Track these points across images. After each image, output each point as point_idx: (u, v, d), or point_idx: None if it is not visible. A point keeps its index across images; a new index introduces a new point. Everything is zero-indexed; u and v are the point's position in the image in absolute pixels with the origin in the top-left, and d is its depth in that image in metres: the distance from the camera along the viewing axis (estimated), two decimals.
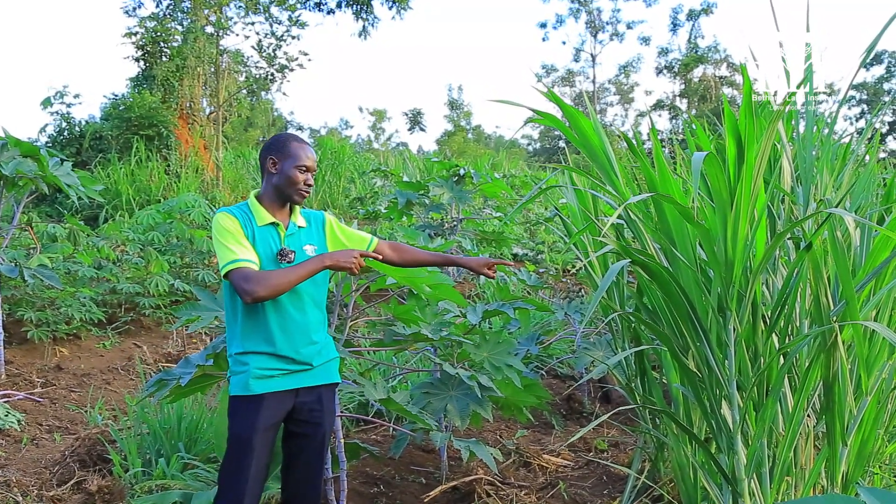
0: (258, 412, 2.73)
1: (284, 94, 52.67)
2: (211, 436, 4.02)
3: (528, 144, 54.37)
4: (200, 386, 3.64)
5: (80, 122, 15.08)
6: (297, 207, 2.99)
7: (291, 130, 49.84)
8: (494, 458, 3.87)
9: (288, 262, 2.83)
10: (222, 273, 2.69)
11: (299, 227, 2.96)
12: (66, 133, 14.82)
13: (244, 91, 19.33)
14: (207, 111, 17.55)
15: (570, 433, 4.98)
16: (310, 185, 2.95)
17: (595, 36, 47.08)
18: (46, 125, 15.00)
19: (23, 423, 5.07)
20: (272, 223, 2.87)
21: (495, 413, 4.40)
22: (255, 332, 2.77)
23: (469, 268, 3.26)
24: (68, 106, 14.96)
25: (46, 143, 14.53)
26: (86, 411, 5.39)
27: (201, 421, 4.20)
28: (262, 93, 22.89)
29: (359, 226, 3.95)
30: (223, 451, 3.24)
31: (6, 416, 5.01)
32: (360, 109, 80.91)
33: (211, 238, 2.78)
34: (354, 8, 17.52)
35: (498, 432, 5.07)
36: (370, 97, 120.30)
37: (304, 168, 2.91)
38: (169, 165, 14.81)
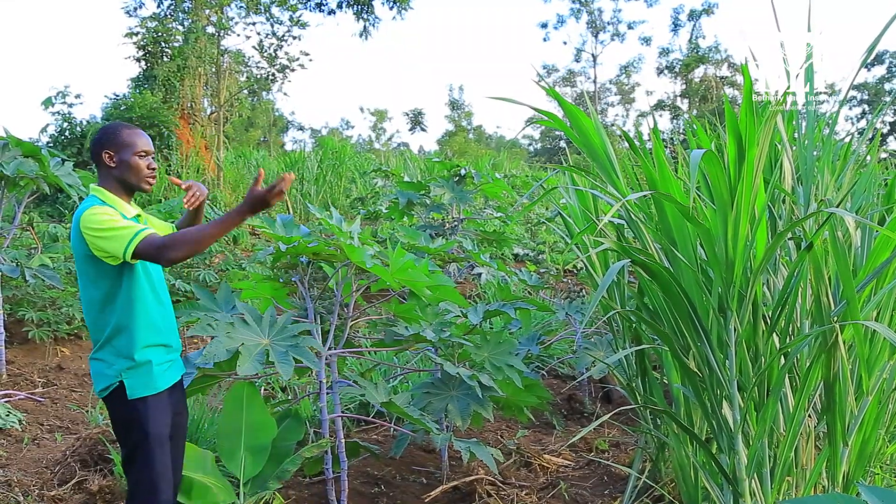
0: (168, 407, 2.78)
1: (285, 94, 52.73)
2: (212, 435, 4.02)
3: (529, 144, 54.37)
4: (201, 387, 3.67)
5: (81, 122, 15.06)
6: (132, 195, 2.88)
7: (292, 130, 49.78)
8: (495, 458, 3.88)
9: None
10: (129, 252, 2.58)
11: (138, 214, 2.90)
12: (67, 133, 14.80)
13: (245, 91, 19.35)
14: (208, 111, 17.56)
15: (571, 433, 4.98)
16: (153, 169, 2.86)
17: (596, 36, 47.06)
18: (47, 125, 14.96)
19: (24, 422, 5.07)
20: (136, 215, 2.83)
21: (496, 413, 4.41)
22: (144, 322, 2.74)
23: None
24: (69, 106, 14.95)
25: (48, 143, 14.53)
26: (87, 411, 5.39)
27: (202, 421, 4.21)
28: (263, 93, 22.93)
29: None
30: (226, 451, 3.25)
31: (7, 415, 5.02)
32: (361, 109, 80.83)
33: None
34: (355, 8, 17.52)
35: (499, 432, 5.08)
36: (371, 97, 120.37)
37: (144, 153, 2.83)
38: (170, 165, 14.82)
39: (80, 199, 6.49)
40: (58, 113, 14.70)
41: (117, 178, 2.81)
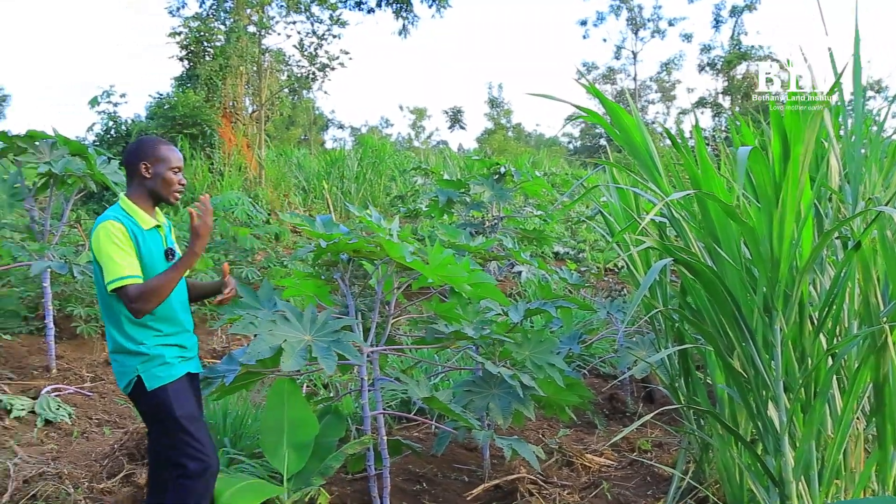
0: (190, 390, 3.08)
1: (325, 92, 53.02)
2: (256, 431, 4.07)
3: (569, 142, 54.05)
4: (244, 384, 3.72)
5: (126, 121, 15.32)
6: (159, 205, 3.13)
7: (332, 129, 50.07)
8: (537, 456, 3.88)
9: (173, 259, 3.05)
10: (109, 287, 2.83)
11: (165, 225, 3.15)
12: (112, 132, 15.07)
13: (286, 90, 19.52)
14: (250, 110, 17.75)
15: (613, 433, 4.95)
16: (182, 185, 3.09)
17: (636, 33, 46.58)
18: (94, 124, 15.22)
19: (73, 416, 5.18)
20: (155, 226, 3.04)
21: (537, 412, 4.40)
22: (151, 325, 2.99)
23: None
24: (115, 105, 15.21)
25: (94, 141, 14.81)
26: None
27: (246, 417, 4.27)
28: (304, 91, 23.06)
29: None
30: (269, 447, 3.30)
31: (57, 409, 5.16)
32: (401, 108, 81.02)
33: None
34: (395, 7, 17.58)
35: (540, 431, 5.08)
36: (410, 95, 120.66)
37: (177, 169, 3.07)
38: (212, 164, 15.00)
39: None
40: (103, 112, 14.97)
41: (149, 189, 3.03)
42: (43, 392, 5.36)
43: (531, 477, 4.09)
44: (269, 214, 11.34)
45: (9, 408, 5.11)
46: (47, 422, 5.04)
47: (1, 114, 49.02)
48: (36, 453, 4.47)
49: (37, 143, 6.05)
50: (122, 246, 2.87)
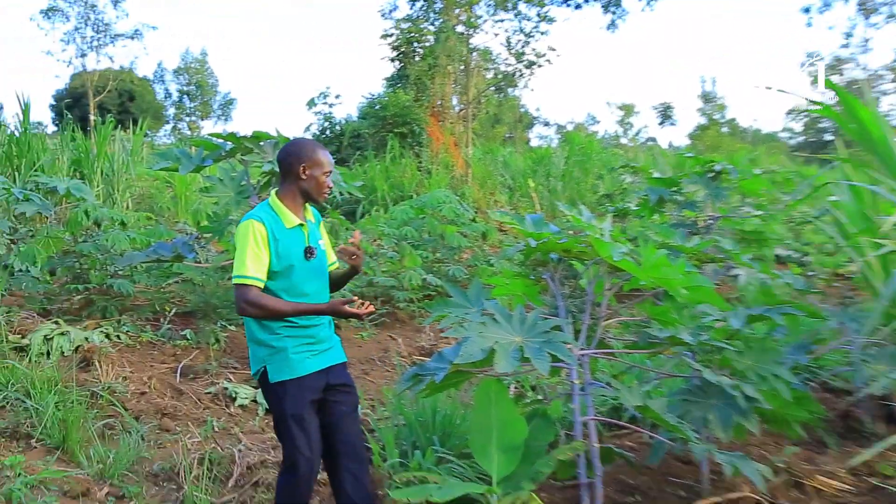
0: (308, 391, 3.29)
1: (531, 89, 53.23)
2: (464, 430, 4.09)
3: (790, 138, 50.89)
4: (454, 382, 3.74)
5: (340, 121, 16.14)
6: (308, 203, 3.34)
7: (538, 126, 50.17)
8: (762, 475, 3.60)
9: (313, 258, 3.26)
10: (233, 280, 3.16)
11: (312, 222, 3.36)
12: (328, 132, 15.92)
13: (492, 88, 19.75)
14: (457, 108, 18.12)
15: (848, 454, 4.51)
16: (330, 187, 3.32)
17: (867, 18, 42.89)
18: (311, 124, 16.21)
19: None
20: (298, 225, 3.26)
21: (760, 427, 4.09)
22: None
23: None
24: (330, 106, 16.08)
25: None
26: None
27: (455, 416, 4.30)
28: (510, 89, 23.24)
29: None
30: (478, 447, 3.30)
31: None
32: (608, 104, 79.89)
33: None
34: (603, 1, 17.29)
35: (763, 447, 4.73)
36: (617, 91, 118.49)
37: (329, 173, 3.30)
38: (421, 162, 15.46)
39: (340, 194, 7.18)
40: (319, 113, 15.85)
41: (302, 189, 3.27)
42: None
43: (756, 497, 3.81)
44: (475, 212, 11.48)
45: (234, 396, 5.51)
46: (268, 411, 5.30)
47: (228, 116, 54.13)
48: (258, 441, 4.76)
49: (261, 143, 6.45)
50: (257, 246, 3.13)
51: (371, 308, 3.21)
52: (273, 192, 3.31)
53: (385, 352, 7.17)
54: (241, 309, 3.12)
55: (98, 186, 12.41)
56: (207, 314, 7.10)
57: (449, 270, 8.75)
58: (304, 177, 3.23)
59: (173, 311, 7.28)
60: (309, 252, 3.26)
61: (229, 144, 6.55)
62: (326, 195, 3.31)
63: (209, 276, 7.29)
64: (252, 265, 3.11)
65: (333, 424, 3.32)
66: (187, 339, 6.74)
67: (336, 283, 3.50)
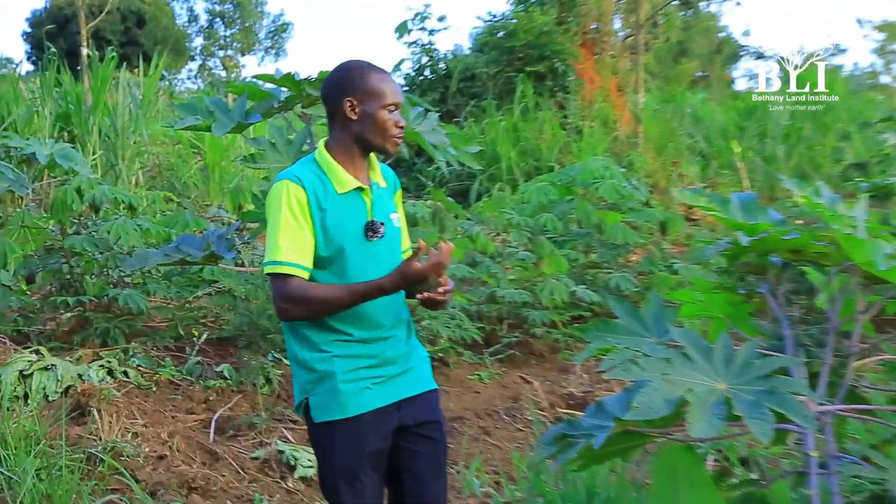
0: (366, 436, 3.26)
1: (737, 2, 52.10)
2: None
3: None
4: (621, 449, 3.66)
5: (444, 55, 16.06)
6: (374, 157, 3.35)
7: (746, 60, 49.17)
8: None
9: (378, 238, 3.23)
10: (265, 268, 3.17)
11: (381, 186, 3.36)
12: (426, 72, 15.87)
13: (675, 2, 19.46)
14: (621, 35, 17.93)
15: None
16: (401, 128, 3.23)
17: None
18: (402, 61, 16.14)
19: None
20: (357, 188, 3.24)
21: None
22: (324, 324, 3.23)
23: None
24: (429, 34, 16.08)
25: (403, 86, 15.81)
26: (458, 471, 5.68)
27: (620, 500, 4.25)
28: (702, 4, 22.88)
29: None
30: None
31: None
32: (859, 23, 77.59)
33: None
34: None
35: None
36: (875, 4, 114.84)
37: (394, 107, 3.23)
38: (566, 116, 15.31)
39: (448, 165, 6.97)
40: (414, 43, 15.81)
41: (355, 136, 3.26)
42: None
43: None
44: (649, 192, 11.47)
45: (292, 462, 5.61)
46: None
47: (281, 49, 54.17)
48: None
49: None
50: (294, 219, 3.12)
51: (449, 286, 3.16)
52: (321, 142, 3.33)
53: (515, 401, 7.16)
54: (281, 310, 3.14)
55: (95, 153, 12.77)
56: (254, 342, 7.14)
57: (611, 280, 8.71)
58: (353, 116, 3.23)
59: (204, 336, 7.43)
60: (372, 229, 3.25)
61: (285, 91, 6.54)
62: (396, 141, 3.27)
63: (257, 286, 7.36)
64: (289, 246, 3.11)
65: (406, 487, 3.35)
66: (225, 379, 6.85)
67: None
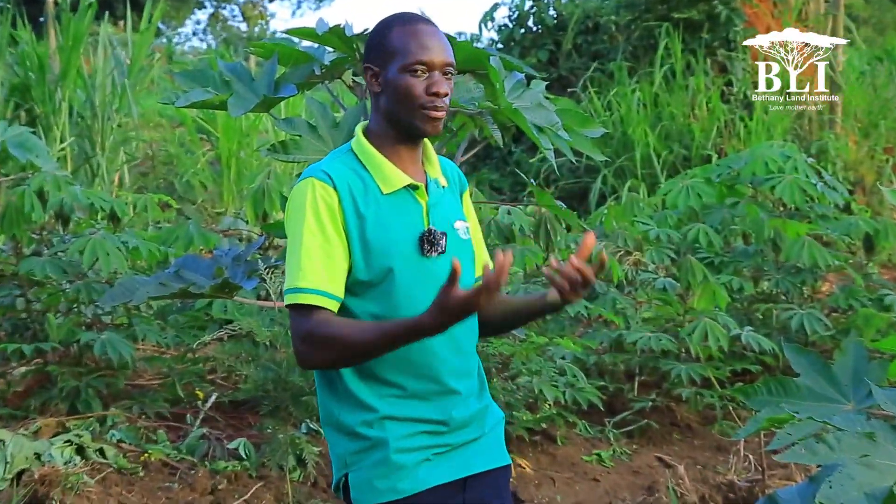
0: None
1: None
2: None
3: None
4: None
5: (552, 1, 14.17)
6: (430, 145, 2.95)
7: None
8: None
9: (438, 254, 2.78)
10: (285, 298, 2.81)
11: (440, 185, 2.96)
12: (529, 22, 14.38)
13: None
14: None
15: None
16: (441, 96, 2.71)
17: None
18: (495, 7, 14.71)
19: None
20: (408, 186, 2.82)
21: None
22: (372, 373, 2.72)
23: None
24: None
25: (495, 43, 14.86)
26: None
27: None
28: None
29: None
30: None
31: None
32: None
33: None
34: None
35: None
36: None
37: (423, 67, 2.68)
38: (730, 83, 13.62)
39: (558, 155, 6.07)
40: None
41: (386, 114, 2.80)
42: None
43: None
44: (850, 193, 10.39)
45: None
46: None
47: None
48: None
49: None
50: (321, 230, 2.68)
51: (508, 260, 2.40)
52: (358, 127, 2.85)
53: (650, 490, 6.35)
54: (300, 355, 2.67)
55: (64, 141, 11.89)
56: (282, 407, 6.42)
57: (791, 319, 7.49)
58: (377, 88, 2.78)
59: (212, 399, 6.68)
60: (430, 242, 2.69)
61: (330, 52, 5.72)
62: (430, 115, 2.63)
63: (286, 329, 6.66)
64: (314, 267, 2.63)
65: None
66: (241, 460, 6.06)
67: (501, 317, 3.02)
